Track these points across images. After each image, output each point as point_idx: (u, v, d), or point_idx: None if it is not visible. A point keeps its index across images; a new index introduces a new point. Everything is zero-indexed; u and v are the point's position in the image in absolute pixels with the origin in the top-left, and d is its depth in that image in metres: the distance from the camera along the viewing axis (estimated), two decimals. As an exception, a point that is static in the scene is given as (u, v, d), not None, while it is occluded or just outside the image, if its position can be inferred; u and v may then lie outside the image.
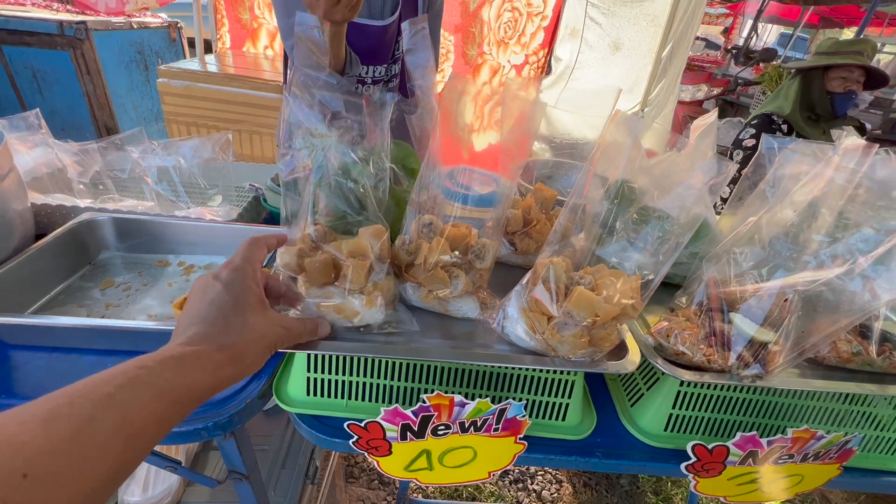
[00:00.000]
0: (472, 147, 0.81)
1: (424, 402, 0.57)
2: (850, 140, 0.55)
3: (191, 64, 2.46)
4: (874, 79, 2.02)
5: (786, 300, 0.57)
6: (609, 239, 0.73)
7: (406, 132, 0.77)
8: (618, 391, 0.77)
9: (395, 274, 0.67)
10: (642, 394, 0.72)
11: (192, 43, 3.52)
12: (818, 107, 2.04)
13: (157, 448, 0.74)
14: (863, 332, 0.66)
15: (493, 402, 0.59)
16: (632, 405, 0.73)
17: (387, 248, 0.62)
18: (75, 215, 0.91)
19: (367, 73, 1.25)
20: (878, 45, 5.18)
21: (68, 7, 1.78)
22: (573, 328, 0.58)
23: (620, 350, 0.64)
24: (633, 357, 0.62)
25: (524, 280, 0.65)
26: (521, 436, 0.62)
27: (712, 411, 0.68)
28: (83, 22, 2.75)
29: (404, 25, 0.77)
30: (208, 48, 2.84)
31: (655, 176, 0.80)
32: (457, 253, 0.63)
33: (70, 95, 2.97)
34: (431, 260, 0.62)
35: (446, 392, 0.57)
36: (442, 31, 2.72)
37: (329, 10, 0.85)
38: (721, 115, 4.33)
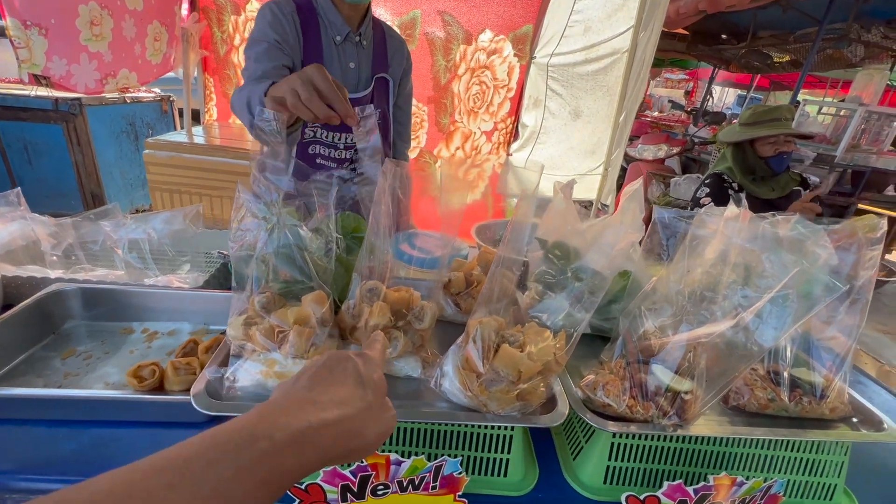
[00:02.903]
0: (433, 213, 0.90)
1: (362, 461, 0.60)
2: (731, 210, 0.64)
3: (177, 136, 2.61)
4: (802, 134, 2.21)
5: (692, 351, 0.62)
6: (543, 297, 0.80)
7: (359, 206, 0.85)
8: (562, 445, 0.80)
9: (341, 336, 0.72)
10: (582, 447, 0.75)
11: (182, 114, 3.73)
12: (757, 170, 2.19)
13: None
14: (774, 378, 0.71)
15: (429, 459, 0.61)
16: (574, 458, 0.76)
17: (329, 312, 0.67)
18: (45, 286, 0.94)
19: (339, 139, 1.38)
20: (818, 107, 5.65)
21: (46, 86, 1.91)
22: (500, 384, 0.62)
23: (552, 404, 0.68)
24: (562, 409, 0.66)
25: (459, 339, 0.70)
26: (461, 493, 0.64)
27: (645, 462, 0.71)
28: (78, 98, 2.91)
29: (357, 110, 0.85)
30: (199, 119, 3.03)
31: (588, 238, 0.88)
32: (392, 318, 0.68)
33: (59, 165, 3.08)
34: (371, 323, 0.67)
35: (388, 451, 0.60)
36: (416, 101, 2.94)
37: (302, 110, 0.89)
38: (684, 171, 4.63)
